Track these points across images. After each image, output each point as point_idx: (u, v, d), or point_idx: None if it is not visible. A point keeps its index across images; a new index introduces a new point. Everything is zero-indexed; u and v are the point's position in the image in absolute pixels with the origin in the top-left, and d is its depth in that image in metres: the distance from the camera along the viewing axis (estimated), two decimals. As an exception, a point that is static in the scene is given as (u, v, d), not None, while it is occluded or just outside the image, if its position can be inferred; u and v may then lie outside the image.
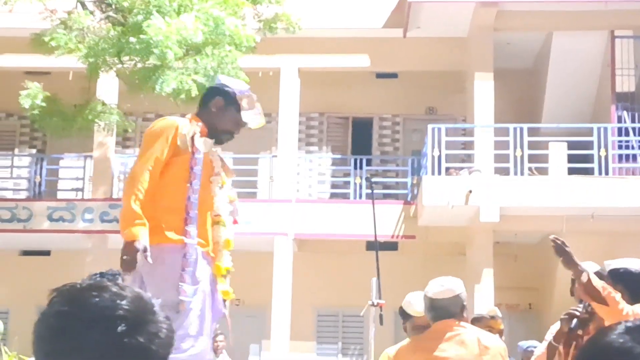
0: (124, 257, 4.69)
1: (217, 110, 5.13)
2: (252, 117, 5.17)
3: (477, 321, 7.01)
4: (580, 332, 5.56)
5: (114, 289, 1.80)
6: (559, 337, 5.79)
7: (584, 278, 5.00)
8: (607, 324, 4.91)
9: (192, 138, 4.96)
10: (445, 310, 5.38)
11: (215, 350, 13.73)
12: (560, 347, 5.74)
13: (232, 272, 5.17)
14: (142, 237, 4.71)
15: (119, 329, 1.74)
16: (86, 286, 1.82)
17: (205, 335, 4.90)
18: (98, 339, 1.73)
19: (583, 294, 5.10)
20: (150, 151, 4.92)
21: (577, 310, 5.47)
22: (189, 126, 4.99)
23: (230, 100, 5.15)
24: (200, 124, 5.04)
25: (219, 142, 5.16)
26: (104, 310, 1.76)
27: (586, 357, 1.71)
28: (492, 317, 6.96)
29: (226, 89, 5.19)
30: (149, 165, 4.87)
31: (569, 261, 5.09)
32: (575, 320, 5.43)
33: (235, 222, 5.21)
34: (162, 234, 4.85)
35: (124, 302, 1.77)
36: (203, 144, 4.99)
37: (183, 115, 5.21)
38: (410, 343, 5.56)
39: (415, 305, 6.44)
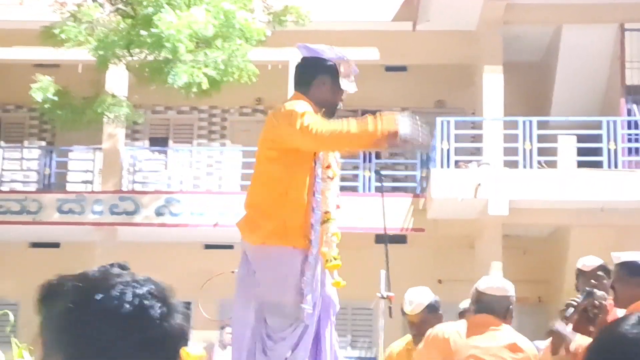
0: (409, 146, 4.48)
1: (325, 88, 4.85)
2: (350, 83, 4.91)
3: (462, 315, 6.97)
4: (591, 329, 5.58)
5: (128, 277, 1.80)
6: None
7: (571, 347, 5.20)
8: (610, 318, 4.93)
9: None
10: (490, 306, 5.41)
11: (225, 344, 13.76)
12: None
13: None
14: (392, 123, 4.43)
15: (126, 320, 1.74)
16: (98, 275, 1.82)
17: (308, 352, 4.70)
18: (108, 330, 1.73)
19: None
20: (308, 111, 4.59)
21: (574, 301, 5.49)
22: None
23: (333, 73, 4.87)
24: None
25: (330, 116, 4.86)
26: (115, 300, 1.75)
27: (600, 348, 1.71)
28: None
29: (328, 64, 4.89)
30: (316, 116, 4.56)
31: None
32: (571, 309, 5.44)
33: (337, 206, 5.07)
34: (286, 236, 4.62)
35: (137, 291, 1.77)
36: None
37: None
38: (442, 329, 5.60)
39: (407, 304, 6.56)
